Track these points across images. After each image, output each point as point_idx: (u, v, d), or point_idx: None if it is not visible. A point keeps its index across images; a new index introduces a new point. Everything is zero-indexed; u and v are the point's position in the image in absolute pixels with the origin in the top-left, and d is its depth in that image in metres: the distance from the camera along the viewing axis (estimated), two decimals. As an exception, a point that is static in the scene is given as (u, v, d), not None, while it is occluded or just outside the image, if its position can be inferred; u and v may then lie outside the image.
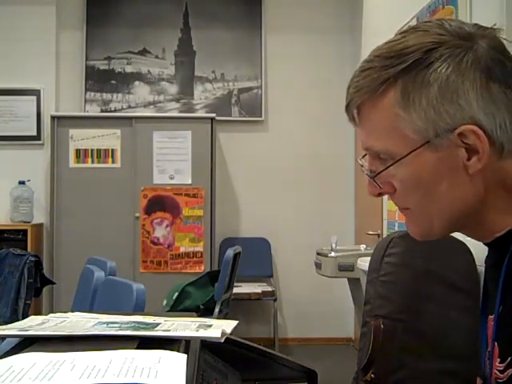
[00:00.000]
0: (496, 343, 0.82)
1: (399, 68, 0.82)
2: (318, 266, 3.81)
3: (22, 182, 5.08)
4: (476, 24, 0.85)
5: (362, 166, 0.90)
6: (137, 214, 4.94)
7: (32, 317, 1.05)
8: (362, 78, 0.85)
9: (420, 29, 0.84)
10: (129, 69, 5.45)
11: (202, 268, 4.93)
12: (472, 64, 0.80)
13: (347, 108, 0.88)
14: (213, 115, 5.06)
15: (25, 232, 4.90)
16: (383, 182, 0.87)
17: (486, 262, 0.93)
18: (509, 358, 0.79)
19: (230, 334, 0.95)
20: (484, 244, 0.90)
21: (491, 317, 0.86)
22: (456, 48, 0.81)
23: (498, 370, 0.81)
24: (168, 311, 4.06)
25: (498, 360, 0.81)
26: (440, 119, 0.81)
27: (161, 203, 4.97)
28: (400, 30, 0.88)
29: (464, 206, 0.84)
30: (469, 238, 2.61)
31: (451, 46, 0.81)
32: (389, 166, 0.85)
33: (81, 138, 4.96)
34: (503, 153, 0.82)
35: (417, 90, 0.81)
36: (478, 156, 0.81)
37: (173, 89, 5.47)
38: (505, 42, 0.84)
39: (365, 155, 0.90)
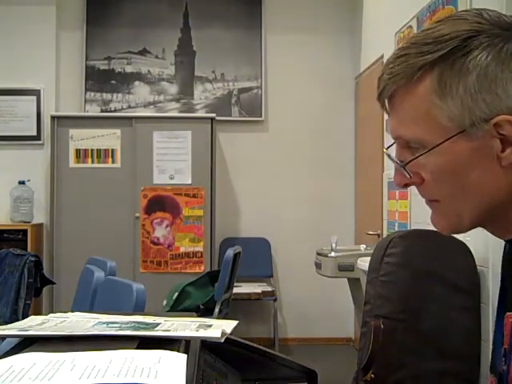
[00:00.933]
0: None
1: (437, 55, 0.80)
2: (318, 266, 3.81)
3: (21, 182, 5.08)
4: None
5: (388, 156, 0.88)
6: (137, 214, 4.94)
7: (32, 317, 1.05)
8: (397, 64, 0.83)
9: (458, 17, 0.83)
10: (129, 69, 5.45)
11: (202, 268, 4.93)
12: None
13: (380, 95, 0.86)
14: (213, 115, 5.06)
15: (25, 232, 4.90)
16: (412, 172, 0.85)
17: (503, 259, 0.92)
18: None
19: (230, 334, 0.95)
20: (504, 240, 0.89)
21: (509, 313, 0.85)
22: (496, 37, 0.80)
23: None
24: (168, 311, 4.06)
25: None
26: (477, 108, 0.79)
27: (161, 203, 4.97)
28: (437, 19, 0.87)
29: (495, 199, 0.83)
30: (469, 238, 2.61)
31: (491, 34, 0.80)
32: (421, 155, 0.83)
33: (81, 138, 4.96)
34: None
35: (454, 77, 0.80)
36: None
37: (173, 89, 5.47)
38: None
39: (391, 145, 0.88)
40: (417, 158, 0.83)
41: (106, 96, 5.41)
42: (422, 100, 0.82)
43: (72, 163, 4.96)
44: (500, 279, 0.92)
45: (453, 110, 0.80)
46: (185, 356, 0.78)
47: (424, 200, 0.89)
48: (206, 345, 0.95)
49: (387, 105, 0.86)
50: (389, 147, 0.89)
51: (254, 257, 5.22)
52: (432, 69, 0.81)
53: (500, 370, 0.86)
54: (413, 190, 0.89)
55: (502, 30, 0.80)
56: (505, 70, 0.79)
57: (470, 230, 0.87)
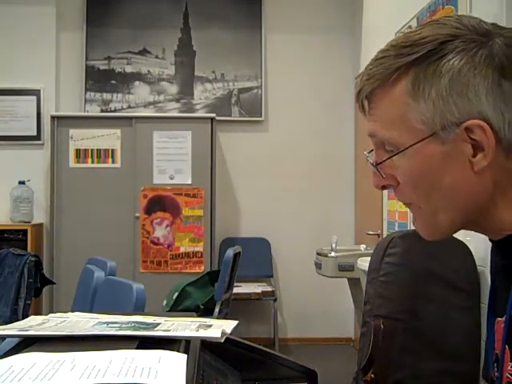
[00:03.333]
0: (507, 346, 0.81)
1: (412, 57, 0.81)
2: (318, 266, 3.81)
3: (22, 182, 5.08)
4: (495, 23, 0.85)
5: (367, 157, 0.89)
6: (137, 214, 4.94)
7: (32, 317, 1.05)
8: (375, 66, 0.85)
9: (438, 22, 0.84)
10: (129, 69, 5.45)
11: (202, 268, 4.93)
12: (486, 59, 0.79)
13: (358, 95, 0.88)
14: (213, 115, 5.06)
15: (25, 232, 4.90)
16: (387, 174, 0.86)
17: (493, 262, 0.92)
18: None
19: (230, 333, 0.95)
20: (491, 241, 0.89)
21: (500, 319, 0.85)
22: (471, 42, 0.80)
23: (511, 374, 0.80)
24: (168, 311, 4.06)
25: (510, 364, 0.80)
26: (448, 111, 0.80)
27: (161, 203, 4.97)
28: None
29: (470, 203, 0.83)
30: (469, 238, 2.62)
31: (466, 39, 0.80)
32: (393, 156, 0.84)
33: (81, 137, 4.96)
34: (511, 152, 0.81)
35: (428, 80, 0.81)
36: (483, 153, 0.80)
37: (173, 89, 5.47)
38: None
39: (371, 150, 0.89)
40: (389, 158, 0.84)
41: (106, 96, 5.41)
42: (397, 102, 0.83)
43: (72, 163, 4.96)
44: (490, 284, 0.92)
45: (425, 112, 0.81)
46: (185, 356, 0.78)
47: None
48: (206, 345, 0.95)
49: (366, 104, 0.87)
50: (370, 151, 0.90)
51: (254, 257, 5.22)
52: (407, 71, 0.82)
53: (492, 376, 0.86)
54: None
55: (478, 36, 0.81)
56: (477, 74, 0.79)
57: (449, 233, 0.88)
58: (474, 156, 0.80)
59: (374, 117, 0.87)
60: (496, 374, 0.84)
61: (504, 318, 0.83)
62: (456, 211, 0.84)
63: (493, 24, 0.84)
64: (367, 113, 0.88)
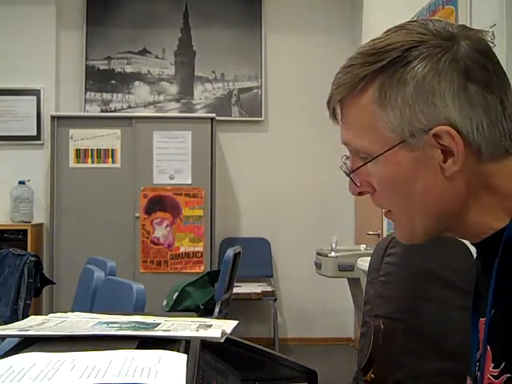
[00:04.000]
0: (488, 347, 0.81)
1: (378, 65, 0.81)
2: (318, 266, 3.81)
3: (22, 182, 5.08)
4: (462, 25, 0.84)
5: (344, 163, 0.90)
6: (137, 214, 4.94)
7: (32, 317, 1.05)
8: (344, 74, 0.85)
9: (404, 28, 0.84)
10: (129, 69, 5.45)
11: (202, 268, 4.93)
12: (450, 64, 0.79)
13: (328, 104, 0.90)
14: (213, 115, 5.06)
15: (25, 232, 4.90)
16: (362, 181, 0.87)
17: (476, 264, 0.92)
18: (503, 363, 0.78)
19: (230, 333, 0.95)
20: (472, 244, 0.89)
21: (482, 319, 0.85)
22: (435, 47, 0.80)
23: (492, 376, 0.80)
24: (168, 311, 4.06)
25: (492, 365, 0.80)
26: (415, 119, 0.80)
27: (161, 203, 4.97)
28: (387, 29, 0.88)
29: (444, 207, 0.83)
30: (469, 238, 2.59)
31: (431, 45, 0.80)
32: (365, 164, 0.84)
33: (81, 138, 4.96)
34: (482, 156, 0.80)
35: (393, 88, 0.80)
36: (453, 158, 0.80)
37: (173, 89, 5.47)
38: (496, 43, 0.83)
39: (348, 157, 0.90)
40: (361, 166, 0.85)
41: (106, 96, 5.41)
42: (366, 110, 0.83)
43: (72, 163, 4.95)
44: (473, 285, 0.93)
45: (393, 120, 0.81)
46: (185, 356, 0.78)
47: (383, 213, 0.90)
48: (206, 345, 0.95)
49: (338, 112, 0.89)
50: (348, 158, 0.90)
51: (254, 257, 5.22)
52: (374, 79, 0.82)
53: (475, 375, 0.86)
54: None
55: (443, 41, 0.81)
56: (442, 80, 0.79)
57: (427, 238, 0.88)
58: (445, 161, 0.80)
59: (346, 125, 0.88)
60: (478, 373, 0.85)
61: (485, 319, 0.83)
62: (431, 217, 0.84)
63: (460, 26, 0.84)
64: (339, 121, 0.89)
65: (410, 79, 0.79)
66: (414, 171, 0.82)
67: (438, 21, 0.84)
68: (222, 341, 0.91)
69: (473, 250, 2.64)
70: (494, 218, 0.83)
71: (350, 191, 0.90)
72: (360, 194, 0.89)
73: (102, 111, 5.37)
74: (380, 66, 0.81)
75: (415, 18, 3.45)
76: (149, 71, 5.45)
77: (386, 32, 0.85)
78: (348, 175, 0.88)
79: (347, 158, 0.90)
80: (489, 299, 0.81)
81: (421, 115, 0.80)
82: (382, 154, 0.82)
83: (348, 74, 0.84)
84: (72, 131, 4.96)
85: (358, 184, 0.87)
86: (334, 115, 0.90)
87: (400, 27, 0.84)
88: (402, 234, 0.89)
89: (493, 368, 0.80)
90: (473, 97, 0.79)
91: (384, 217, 0.93)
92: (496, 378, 0.79)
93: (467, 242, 0.91)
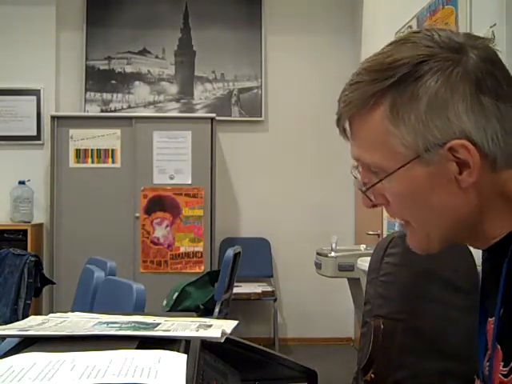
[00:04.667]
0: (498, 346, 0.81)
1: (388, 82, 0.81)
2: (318, 266, 3.81)
3: (22, 182, 5.08)
4: (467, 33, 0.84)
5: (355, 177, 0.90)
6: (137, 214, 4.94)
7: (32, 317, 1.05)
8: (351, 91, 0.84)
9: (409, 41, 0.83)
10: (129, 69, 5.45)
11: (202, 268, 4.93)
12: (462, 77, 0.79)
13: (338, 122, 0.88)
14: (213, 115, 5.06)
15: (25, 232, 4.90)
16: (377, 195, 0.87)
17: (483, 265, 0.93)
18: None
19: (230, 333, 0.95)
20: (482, 250, 0.90)
21: (491, 319, 0.85)
22: (445, 61, 0.80)
23: (502, 374, 0.80)
24: (168, 311, 4.06)
25: (502, 364, 0.80)
26: (429, 134, 0.80)
27: (161, 203, 4.97)
28: (389, 42, 0.88)
29: (459, 219, 0.84)
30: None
31: (441, 58, 0.80)
32: (380, 180, 0.84)
33: (81, 137, 4.96)
34: (496, 165, 0.81)
35: (405, 104, 0.80)
36: (469, 170, 0.80)
37: (173, 89, 5.47)
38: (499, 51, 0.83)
39: (358, 166, 0.90)
40: (378, 182, 0.85)
41: (106, 96, 5.41)
42: (377, 127, 0.83)
43: (72, 163, 4.95)
44: (480, 284, 0.93)
45: (406, 136, 0.81)
46: (185, 356, 0.78)
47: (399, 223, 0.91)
48: (206, 345, 0.95)
49: (348, 130, 0.87)
50: (356, 167, 0.90)
51: (254, 257, 5.22)
52: (384, 96, 0.81)
53: (485, 376, 0.86)
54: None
55: (452, 53, 0.80)
56: (455, 94, 0.79)
57: (442, 248, 0.88)
58: (460, 173, 0.80)
59: (357, 142, 0.87)
60: (487, 373, 0.85)
61: (494, 318, 0.83)
62: (446, 228, 0.85)
63: (465, 34, 0.83)
64: (349, 137, 0.88)
65: (423, 94, 0.79)
66: (430, 185, 0.82)
67: (442, 30, 0.83)
68: (222, 341, 0.91)
69: (475, 253, 2.63)
70: (505, 223, 0.83)
71: (364, 205, 0.90)
72: (374, 206, 0.89)
73: (101, 111, 5.37)
74: (390, 83, 0.80)
75: (415, 18, 3.46)
76: (149, 71, 5.45)
77: (390, 45, 0.84)
78: (363, 192, 0.87)
79: (355, 168, 0.90)
80: (498, 299, 0.82)
81: (435, 130, 0.79)
82: (397, 170, 0.82)
83: (356, 91, 0.84)
84: (72, 131, 4.96)
85: (373, 199, 0.87)
86: (344, 132, 0.88)
87: (405, 40, 0.84)
88: (416, 245, 0.89)
89: (503, 367, 0.80)
90: (486, 108, 0.79)
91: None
92: (506, 376, 0.80)
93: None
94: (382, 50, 0.85)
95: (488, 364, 0.85)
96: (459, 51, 0.80)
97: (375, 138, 0.83)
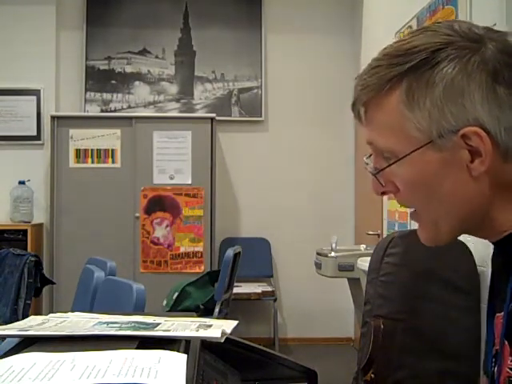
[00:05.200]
0: (506, 341, 0.82)
1: (405, 67, 0.82)
2: (318, 266, 3.81)
3: (22, 182, 5.08)
4: (487, 27, 0.85)
5: (366, 164, 0.90)
6: (137, 214, 4.94)
7: (32, 317, 1.05)
8: (369, 76, 0.85)
9: (430, 29, 0.84)
10: (129, 69, 5.45)
11: (202, 268, 4.93)
12: (479, 66, 0.80)
13: (353, 106, 0.89)
14: (213, 115, 5.06)
15: (25, 232, 4.90)
16: (386, 181, 0.87)
17: (492, 260, 0.92)
18: None
19: (230, 333, 0.95)
20: (491, 242, 0.90)
21: (499, 314, 0.85)
22: (463, 49, 0.81)
23: (511, 369, 0.81)
24: (168, 311, 4.06)
25: (510, 358, 0.81)
26: (444, 120, 0.81)
27: (161, 203, 4.97)
28: (410, 30, 0.88)
29: (469, 208, 0.84)
30: (469, 238, 2.60)
31: (459, 46, 0.81)
32: (391, 164, 0.85)
33: (81, 137, 4.96)
34: (508, 156, 0.81)
35: (422, 89, 0.81)
36: (481, 159, 0.80)
37: (173, 89, 5.47)
38: None
39: (370, 155, 0.90)
40: (388, 167, 0.85)
41: (106, 96, 5.41)
42: (393, 111, 0.84)
43: (72, 163, 4.95)
44: (490, 280, 0.93)
45: (421, 121, 0.82)
46: (185, 356, 0.78)
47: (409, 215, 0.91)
48: (206, 345, 0.95)
49: (362, 114, 0.88)
50: (369, 157, 0.91)
51: (254, 257, 5.22)
52: (401, 81, 0.82)
53: (491, 372, 0.86)
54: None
55: (470, 42, 0.81)
56: (471, 82, 0.80)
57: (450, 239, 0.88)
58: (472, 162, 0.81)
59: (371, 126, 0.87)
60: (494, 369, 0.85)
61: (503, 314, 0.83)
62: (455, 217, 0.85)
63: (485, 28, 0.84)
64: (364, 122, 0.89)
65: (439, 80, 0.80)
66: (441, 171, 0.82)
67: (462, 22, 0.85)
68: (222, 341, 0.91)
69: (475, 253, 2.63)
70: None
71: (373, 191, 0.90)
72: (383, 193, 0.90)
73: (102, 111, 5.37)
74: (408, 68, 0.81)
75: (415, 18, 3.46)
76: (149, 71, 5.46)
77: (411, 33, 0.86)
78: (374, 175, 0.88)
79: (368, 157, 0.90)
80: (508, 293, 0.82)
81: (449, 116, 0.80)
82: (409, 154, 0.83)
83: (374, 75, 0.84)
84: (72, 131, 4.96)
85: (383, 184, 0.88)
86: (359, 116, 0.89)
87: (425, 29, 0.85)
88: (425, 236, 0.89)
89: (511, 361, 0.81)
90: (501, 98, 0.80)
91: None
92: None
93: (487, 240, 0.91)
94: (402, 37, 0.86)
95: (495, 361, 0.85)
96: (478, 41, 0.81)
97: (390, 122, 0.84)
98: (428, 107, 0.81)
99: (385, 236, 3.52)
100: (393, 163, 0.85)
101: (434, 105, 0.81)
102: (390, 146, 0.85)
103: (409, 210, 0.90)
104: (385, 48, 0.87)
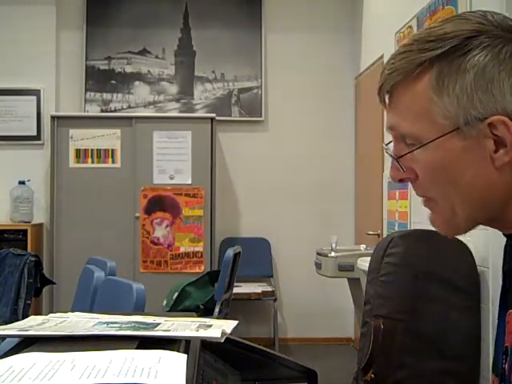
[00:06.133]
0: None
1: (437, 52, 0.81)
2: (318, 266, 3.81)
3: (22, 182, 5.08)
4: None
5: (386, 150, 0.90)
6: (137, 214, 4.94)
7: (32, 317, 1.05)
8: (399, 60, 0.85)
9: (462, 17, 0.84)
10: (129, 69, 5.45)
11: (202, 268, 4.93)
12: (511, 55, 0.80)
13: (380, 89, 0.88)
14: (213, 115, 5.06)
15: (25, 232, 4.90)
16: (407, 167, 0.87)
17: (505, 256, 0.92)
18: None
19: (230, 333, 0.95)
20: (504, 235, 0.89)
21: (511, 311, 0.85)
22: (496, 38, 0.80)
23: None
24: (168, 311, 4.06)
25: None
26: (472, 107, 0.80)
27: (161, 203, 4.97)
28: (439, 19, 0.88)
29: (489, 198, 0.83)
30: (469, 238, 2.61)
31: (492, 35, 0.81)
32: (415, 149, 0.84)
33: (81, 137, 4.96)
34: None
35: (452, 75, 0.81)
36: (505, 149, 0.80)
37: (173, 89, 5.47)
38: None
39: (390, 142, 0.90)
40: (411, 152, 0.85)
41: (106, 96, 5.41)
42: (420, 96, 0.83)
43: (72, 163, 4.96)
44: (502, 277, 0.92)
45: (448, 107, 0.81)
46: (185, 356, 0.78)
47: (422, 202, 0.89)
48: (206, 345, 0.95)
49: (387, 99, 0.87)
50: (388, 143, 0.90)
51: (254, 257, 5.22)
52: (431, 66, 0.82)
53: (501, 369, 0.86)
54: (413, 189, 0.89)
55: (504, 32, 0.81)
56: (502, 71, 0.79)
57: (468, 229, 0.88)
58: (496, 152, 0.81)
59: (396, 110, 0.86)
60: (504, 366, 0.84)
61: None
62: (474, 207, 0.84)
63: None
64: (388, 106, 0.88)
65: (470, 68, 0.80)
66: (464, 159, 0.82)
67: (496, 13, 0.84)
68: (222, 341, 0.91)
69: (475, 253, 2.62)
70: None
71: (392, 177, 0.89)
72: (401, 180, 0.89)
73: (102, 111, 5.37)
74: (440, 53, 0.81)
75: (415, 18, 3.46)
76: (149, 71, 5.45)
77: (442, 20, 0.85)
78: (396, 160, 0.87)
79: (388, 144, 0.90)
80: None
81: (478, 104, 0.80)
82: (434, 140, 0.82)
83: (404, 59, 0.84)
84: (72, 131, 4.96)
85: (405, 169, 0.87)
86: (383, 100, 0.88)
87: (458, 16, 0.85)
88: (441, 225, 0.88)
89: None
90: None
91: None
92: None
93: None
94: (434, 24, 0.86)
95: (505, 357, 0.84)
96: (511, 31, 0.81)
97: (417, 107, 0.83)
98: (457, 93, 0.80)
99: (385, 236, 3.52)
100: (416, 148, 0.84)
101: (464, 92, 0.80)
102: (415, 131, 0.84)
103: (421, 199, 0.89)
104: (415, 34, 0.86)
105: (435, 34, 0.83)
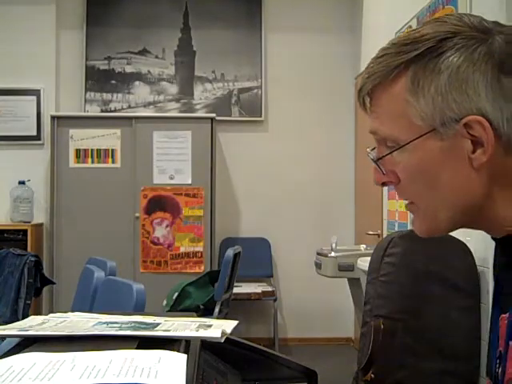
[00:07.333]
0: (511, 343, 0.81)
1: (412, 54, 0.82)
2: (318, 265, 3.81)
3: (22, 182, 5.08)
4: (496, 21, 0.85)
5: (368, 154, 0.90)
6: (137, 214, 4.94)
7: (32, 317, 1.05)
8: (377, 64, 0.86)
9: (439, 20, 0.85)
10: (129, 69, 5.45)
11: (202, 268, 4.93)
12: (485, 56, 0.80)
13: (359, 93, 0.89)
14: (213, 115, 5.06)
15: (25, 232, 4.90)
16: (388, 170, 0.87)
17: (495, 260, 0.92)
18: None
19: (230, 333, 0.95)
20: (493, 239, 0.89)
21: (504, 315, 0.85)
22: (470, 39, 0.81)
23: None
24: (168, 311, 4.06)
25: None
26: (447, 108, 0.81)
27: (161, 203, 4.97)
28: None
29: (469, 199, 0.83)
30: (469, 238, 2.60)
31: (466, 36, 0.81)
32: (393, 151, 0.85)
33: (81, 138, 4.96)
34: (510, 149, 0.81)
35: (427, 76, 0.81)
36: (483, 149, 0.80)
37: (173, 89, 5.47)
38: None
39: (374, 148, 0.90)
40: (389, 154, 0.85)
41: (106, 96, 5.41)
42: (398, 99, 0.84)
43: (72, 163, 4.96)
44: (494, 281, 0.92)
45: (424, 109, 0.82)
46: (185, 356, 0.78)
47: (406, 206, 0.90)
48: (206, 345, 0.95)
49: (367, 102, 0.88)
50: (373, 149, 0.90)
51: (254, 257, 5.22)
52: (407, 68, 0.83)
53: (495, 373, 0.86)
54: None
55: (478, 33, 0.82)
56: (476, 71, 0.80)
57: (449, 231, 0.88)
58: (474, 152, 0.81)
59: (375, 114, 0.87)
60: (498, 370, 0.84)
61: (507, 315, 0.83)
62: (455, 208, 0.85)
63: (494, 22, 0.85)
64: (368, 110, 0.89)
65: (445, 68, 0.80)
66: (442, 161, 0.82)
67: (472, 15, 0.85)
68: (222, 341, 0.91)
69: (475, 253, 2.62)
70: None
71: (374, 181, 0.90)
72: (384, 184, 0.89)
73: (102, 111, 5.37)
74: (414, 55, 0.82)
75: (415, 18, 3.46)
76: (149, 71, 5.46)
77: (423, 24, 0.86)
78: (375, 162, 0.88)
79: (373, 149, 0.90)
80: None
81: (453, 104, 0.80)
82: (411, 141, 0.83)
83: (381, 63, 0.85)
84: (72, 131, 4.96)
85: (385, 172, 0.87)
86: (364, 104, 0.89)
87: (436, 20, 0.86)
88: (422, 227, 0.89)
89: None
90: (506, 89, 0.80)
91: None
92: None
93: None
94: (414, 28, 0.88)
95: (499, 362, 0.84)
96: (486, 33, 0.82)
97: (394, 109, 0.84)
98: (432, 94, 0.81)
99: (385, 236, 3.52)
100: (394, 150, 0.84)
101: (439, 92, 0.81)
102: (393, 133, 0.84)
103: (405, 202, 0.90)
104: (394, 38, 0.87)
105: (412, 36, 0.83)
